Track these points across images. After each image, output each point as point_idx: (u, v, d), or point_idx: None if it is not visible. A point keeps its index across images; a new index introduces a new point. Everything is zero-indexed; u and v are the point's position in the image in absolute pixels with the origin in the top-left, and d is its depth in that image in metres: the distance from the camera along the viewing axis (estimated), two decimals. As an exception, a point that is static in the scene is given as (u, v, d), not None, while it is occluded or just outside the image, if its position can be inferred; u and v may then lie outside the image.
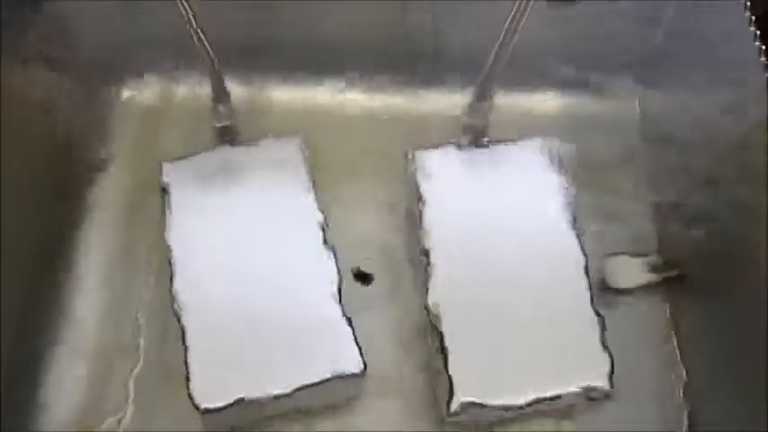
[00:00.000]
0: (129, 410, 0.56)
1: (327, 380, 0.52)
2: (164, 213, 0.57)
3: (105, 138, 0.66)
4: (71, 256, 0.61)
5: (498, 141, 0.61)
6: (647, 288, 0.60)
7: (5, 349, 0.53)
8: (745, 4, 0.52)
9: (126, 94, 0.68)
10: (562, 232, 0.57)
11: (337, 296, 0.54)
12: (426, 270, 0.56)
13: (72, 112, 0.64)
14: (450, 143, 0.60)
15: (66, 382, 0.57)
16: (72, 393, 0.57)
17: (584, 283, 0.55)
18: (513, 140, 0.61)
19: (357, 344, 0.53)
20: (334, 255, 0.56)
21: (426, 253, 0.56)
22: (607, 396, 0.53)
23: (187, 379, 0.51)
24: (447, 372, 0.52)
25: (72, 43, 0.64)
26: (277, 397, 0.51)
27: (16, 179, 0.54)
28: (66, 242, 0.61)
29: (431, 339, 0.56)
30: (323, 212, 0.58)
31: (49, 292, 0.59)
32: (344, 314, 0.54)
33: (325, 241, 0.56)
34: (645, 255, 0.61)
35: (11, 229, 0.53)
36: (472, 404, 0.52)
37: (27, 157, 0.57)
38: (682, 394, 0.57)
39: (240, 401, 0.51)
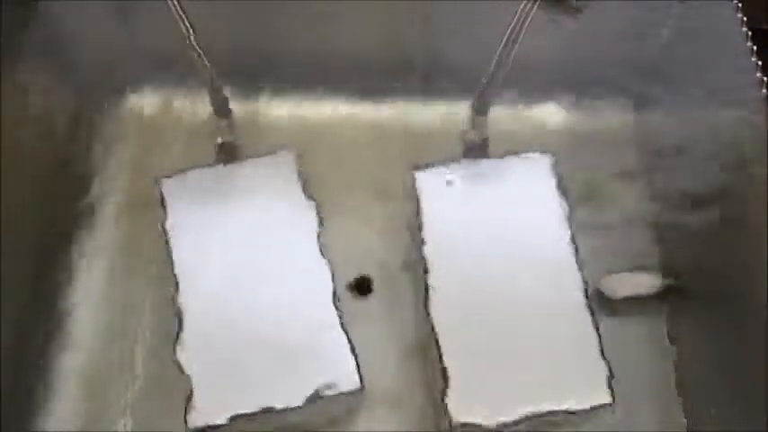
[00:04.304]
0: (129, 424, 0.56)
1: (325, 397, 0.52)
2: (162, 228, 0.57)
3: (104, 150, 0.66)
4: (70, 270, 0.61)
5: (497, 156, 0.61)
6: (645, 301, 0.60)
7: (4, 363, 0.53)
8: (742, 20, 0.52)
9: (125, 106, 0.68)
10: (561, 247, 0.57)
11: (335, 312, 0.54)
12: (426, 285, 0.56)
13: (71, 123, 0.64)
14: (450, 157, 0.61)
15: (65, 396, 0.57)
16: (71, 407, 0.57)
17: (582, 298, 0.55)
18: (512, 155, 0.61)
19: (355, 360, 0.53)
20: (333, 270, 0.56)
21: (425, 268, 0.56)
22: (606, 408, 0.53)
23: (186, 396, 0.51)
24: (446, 390, 0.52)
25: (71, 55, 0.64)
26: (275, 413, 0.51)
27: (13, 192, 0.54)
28: (65, 256, 0.61)
29: (432, 355, 0.56)
30: (321, 227, 0.58)
31: (47, 305, 0.59)
32: (342, 330, 0.54)
33: (323, 256, 0.56)
34: (643, 268, 0.61)
35: (9, 241, 0.53)
36: (471, 424, 0.52)
37: (24, 170, 0.57)
38: (680, 405, 0.57)
39: (237, 418, 0.51)
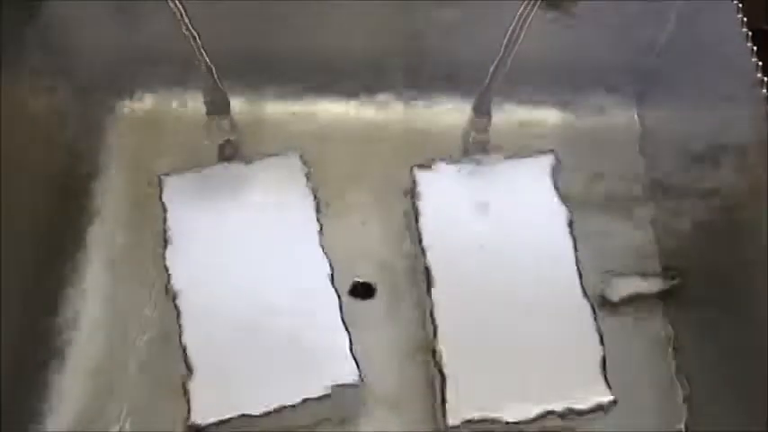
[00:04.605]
0: (129, 424, 0.56)
1: (326, 395, 0.52)
2: (163, 227, 0.57)
3: (104, 151, 0.66)
4: (70, 269, 0.61)
5: (498, 157, 0.61)
6: (645, 301, 0.60)
7: (4, 363, 0.53)
8: (742, 21, 0.52)
9: (125, 106, 0.68)
10: (561, 247, 0.57)
11: (336, 311, 0.54)
12: (426, 286, 0.56)
13: (71, 123, 0.64)
14: (450, 158, 0.61)
15: (64, 396, 0.57)
16: (71, 407, 0.57)
17: (583, 298, 0.55)
18: (512, 155, 0.61)
19: (354, 358, 0.53)
20: (334, 270, 0.56)
21: (426, 269, 0.56)
22: (607, 409, 0.53)
23: (186, 395, 0.51)
24: (445, 388, 0.52)
25: (72, 55, 0.64)
26: (275, 412, 0.51)
27: (13, 193, 0.54)
28: (66, 255, 0.61)
29: (432, 355, 0.56)
30: (322, 227, 0.58)
31: (47, 306, 0.59)
32: (343, 329, 0.54)
33: (324, 256, 0.56)
34: (644, 269, 0.61)
35: (9, 242, 0.53)
36: (470, 421, 0.52)
37: (24, 170, 0.57)
38: (680, 405, 0.57)
39: (238, 417, 0.51)
